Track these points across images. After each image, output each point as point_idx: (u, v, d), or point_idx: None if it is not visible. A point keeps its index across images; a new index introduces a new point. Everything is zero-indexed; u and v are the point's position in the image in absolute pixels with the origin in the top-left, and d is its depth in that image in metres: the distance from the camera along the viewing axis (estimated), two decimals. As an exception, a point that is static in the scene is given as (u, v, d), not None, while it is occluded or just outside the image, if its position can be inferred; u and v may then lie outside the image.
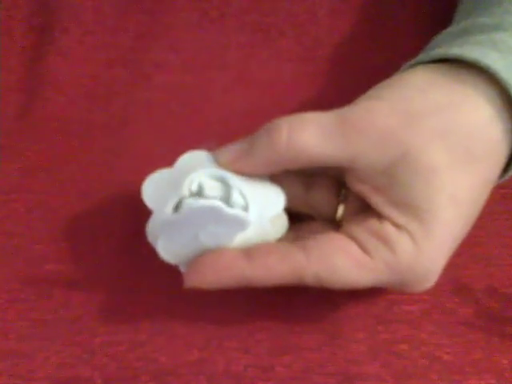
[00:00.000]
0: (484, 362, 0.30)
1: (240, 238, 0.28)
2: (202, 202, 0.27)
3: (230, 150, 0.29)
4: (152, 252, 0.29)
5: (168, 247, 0.29)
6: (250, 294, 0.29)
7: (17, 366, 0.30)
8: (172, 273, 0.29)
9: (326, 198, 0.31)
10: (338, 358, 0.30)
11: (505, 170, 0.30)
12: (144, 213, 0.30)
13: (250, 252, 0.28)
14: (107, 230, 0.35)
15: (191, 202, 0.27)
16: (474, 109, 0.27)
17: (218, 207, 0.27)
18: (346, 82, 0.40)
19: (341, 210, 0.30)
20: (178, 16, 0.41)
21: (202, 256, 0.28)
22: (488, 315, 0.32)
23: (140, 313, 0.32)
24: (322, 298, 0.32)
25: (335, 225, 0.30)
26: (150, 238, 0.29)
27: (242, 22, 0.41)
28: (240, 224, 0.28)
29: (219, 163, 0.29)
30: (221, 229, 0.28)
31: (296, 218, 0.31)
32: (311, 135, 0.27)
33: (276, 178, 0.30)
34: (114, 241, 0.34)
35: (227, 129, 0.38)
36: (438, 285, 0.29)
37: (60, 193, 0.36)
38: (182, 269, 0.29)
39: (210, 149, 0.30)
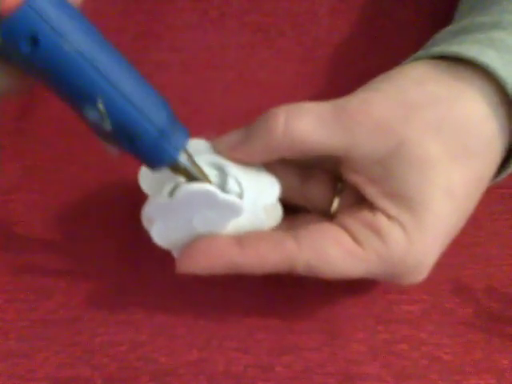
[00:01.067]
0: (484, 361, 0.30)
1: (233, 225, 0.28)
2: (196, 186, 0.27)
3: (228, 138, 0.29)
4: (152, 252, 0.29)
5: (162, 232, 0.29)
6: (250, 294, 0.29)
7: (17, 366, 0.30)
8: (172, 273, 0.29)
9: (321, 190, 0.31)
10: (338, 357, 0.30)
11: (500, 168, 0.30)
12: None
13: (242, 239, 0.28)
14: (107, 230, 0.35)
15: (186, 186, 0.27)
16: (470, 104, 0.28)
17: (213, 192, 0.27)
18: (345, 81, 0.40)
19: (336, 203, 0.30)
20: (178, 16, 0.41)
21: (194, 242, 0.28)
22: (488, 315, 0.32)
23: (140, 313, 0.32)
24: (322, 298, 0.32)
25: (330, 218, 0.30)
26: (145, 222, 0.29)
27: (242, 22, 0.41)
28: (233, 210, 0.28)
29: (217, 151, 0.29)
30: (214, 214, 0.28)
31: (291, 209, 0.31)
32: (308, 123, 0.27)
33: (272, 169, 0.30)
34: (114, 241, 0.34)
35: (227, 129, 0.38)
36: (438, 285, 0.29)
37: (60, 193, 0.36)
38: (175, 254, 0.29)
39: (208, 137, 0.30)
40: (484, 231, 0.34)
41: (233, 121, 0.38)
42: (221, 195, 0.27)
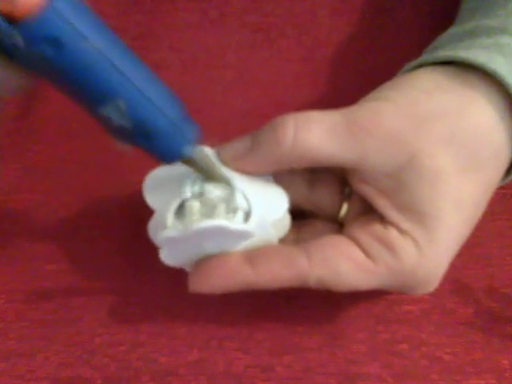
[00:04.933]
0: (484, 361, 0.30)
1: (243, 243, 0.28)
2: (208, 222, 0.26)
3: (233, 147, 0.28)
4: (152, 252, 0.29)
5: (171, 255, 0.28)
6: (251, 294, 0.29)
7: (17, 366, 0.30)
8: (172, 273, 0.29)
9: (329, 195, 0.30)
10: (339, 358, 0.30)
11: (506, 173, 0.30)
12: (144, 213, 0.30)
13: (252, 257, 0.28)
14: (107, 230, 0.35)
15: (197, 223, 0.26)
16: (479, 113, 0.27)
17: (224, 226, 0.26)
18: (346, 81, 0.40)
19: (344, 208, 0.30)
20: (178, 16, 0.41)
21: (206, 261, 0.28)
22: (488, 315, 0.32)
23: (140, 313, 0.32)
24: (322, 299, 0.32)
25: (337, 223, 0.30)
26: (152, 236, 0.29)
27: (242, 22, 0.41)
28: (244, 236, 0.27)
29: (221, 160, 0.28)
30: (226, 241, 0.27)
31: (297, 214, 0.31)
32: (317, 134, 0.27)
33: (279, 175, 0.29)
34: (114, 241, 0.34)
35: (227, 129, 0.38)
36: (439, 285, 0.29)
37: (60, 193, 0.36)
38: (187, 269, 0.29)
39: (211, 145, 0.29)
40: (485, 231, 0.34)
41: (233, 121, 0.38)
42: (232, 227, 0.26)
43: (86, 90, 0.23)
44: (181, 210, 0.28)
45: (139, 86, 0.24)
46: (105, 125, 0.25)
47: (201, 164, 0.27)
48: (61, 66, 0.22)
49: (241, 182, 0.28)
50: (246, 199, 0.28)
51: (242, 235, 0.27)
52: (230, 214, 0.27)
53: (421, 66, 0.30)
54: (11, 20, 0.21)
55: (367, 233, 0.28)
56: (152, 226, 0.29)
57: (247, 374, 0.30)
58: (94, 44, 0.23)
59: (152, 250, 0.29)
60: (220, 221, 0.26)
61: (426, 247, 0.27)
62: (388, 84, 0.29)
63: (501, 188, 0.30)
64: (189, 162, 0.27)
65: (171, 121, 0.25)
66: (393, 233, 0.27)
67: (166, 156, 0.26)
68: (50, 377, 0.30)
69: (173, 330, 0.31)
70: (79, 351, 0.30)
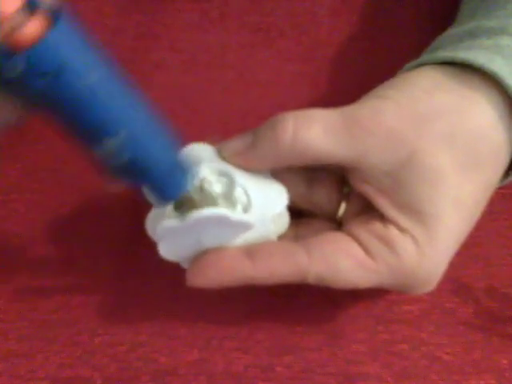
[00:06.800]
0: (484, 361, 0.30)
1: (242, 236, 0.28)
2: (208, 211, 0.26)
3: (234, 144, 0.28)
4: (152, 252, 0.29)
5: (169, 248, 0.28)
6: (251, 294, 0.29)
7: (17, 366, 0.30)
8: (172, 274, 0.29)
9: (327, 194, 0.30)
10: (339, 358, 0.30)
11: (506, 174, 0.30)
12: (144, 213, 0.30)
13: (251, 251, 0.28)
14: (107, 230, 0.35)
15: (198, 212, 0.26)
16: (480, 114, 0.27)
17: (225, 215, 0.26)
18: (346, 81, 0.40)
19: (342, 208, 0.30)
20: (178, 16, 0.41)
21: (204, 255, 0.28)
22: (488, 315, 0.32)
23: (140, 313, 0.32)
24: (322, 299, 0.32)
25: (335, 223, 0.30)
26: (150, 230, 0.29)
27: (241, 22, 0.41)
28: (244, 227, 0.27)
29: (222, 156, 0.28)
30: (225, 232, 0.28)
31: (295, 212, 0.31)
32: (317, 132, 0.27)
33: (278, 173, 0.29)
34: (114, 241, 0.34)
35: (227, 128, 0.38)
36: (438, 285, 0.29)
37: (60, 193, 0.36)
38: (184, 265, 0.29)
39: (212, 141, 0.29)
40: (484, 231, 0.34)
41: (233, 121, 0.38)
42: (233, 217, 0.27)
43: (81, 123, 0.22)
44: (180, 205, 0.28)
45: (140, 119, 0.23)
46: (102, 162, 0.24)
47: (199, 200, 0.26)
48: (58, 96, 0.21)
49: (241, 177, 0.28)
50: (246, 194, 0.28)
51: (242, 226, 0.27)
52: (229, 207, 0.27)
53: (420, 66, 0.30)
54: (9, 49, 0.20)
55: (367, 231, 0.28)
56: (150, 221, 0.29)
57: (247, 374, 0.30)
58: (94, 76, 0.22)
59: (152, 249, 0.29)
60: (220, 209, 0.27)
61: (425, 246, 0.27)
62: (388, 83, 0.29)
63: (500, 188, 0.30)
64: (186, 199, 0.26)
65: (172, 157, 0.25)
66: (393, 231, 0.27)
67: (164, 193, 0.25)
68: (49, 377, 0.30)
69: (173, 330, 0.31)
70: (79, 351, 0.31)
